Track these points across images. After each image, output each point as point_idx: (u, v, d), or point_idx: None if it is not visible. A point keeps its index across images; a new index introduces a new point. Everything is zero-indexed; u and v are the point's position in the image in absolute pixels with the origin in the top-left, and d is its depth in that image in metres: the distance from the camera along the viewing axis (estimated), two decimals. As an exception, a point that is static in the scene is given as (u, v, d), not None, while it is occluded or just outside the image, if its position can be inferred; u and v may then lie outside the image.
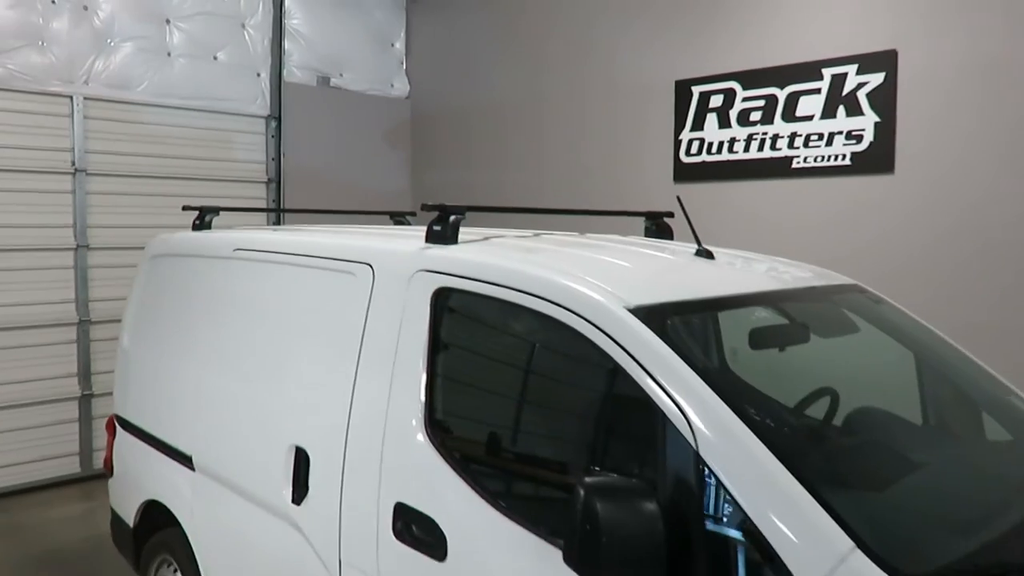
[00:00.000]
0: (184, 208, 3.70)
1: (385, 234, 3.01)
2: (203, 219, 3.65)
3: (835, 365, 2.55)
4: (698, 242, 2.57)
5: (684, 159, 5.88)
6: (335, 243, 2.78)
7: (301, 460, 2.53)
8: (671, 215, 3.86)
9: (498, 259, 2.27)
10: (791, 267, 2.83)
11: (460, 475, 2.05)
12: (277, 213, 6.72)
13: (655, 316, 1.91)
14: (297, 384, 2.70)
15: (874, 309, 2.67)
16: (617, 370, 1.84)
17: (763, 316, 2.42)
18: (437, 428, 2.18)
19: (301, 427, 2.60)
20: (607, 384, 1.97)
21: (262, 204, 7.07)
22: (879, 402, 2.45)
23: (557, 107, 6.72)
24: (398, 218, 4.29)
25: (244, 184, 6.95)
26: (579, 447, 2.07)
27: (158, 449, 3.32)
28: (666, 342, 1.82)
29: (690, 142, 5.84)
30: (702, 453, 1.63)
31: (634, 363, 1.80)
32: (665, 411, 1.71)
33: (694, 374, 1.75)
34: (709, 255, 2.53)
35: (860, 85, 5.00)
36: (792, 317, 2.47)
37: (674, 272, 2.47)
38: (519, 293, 2.08)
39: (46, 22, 5.79)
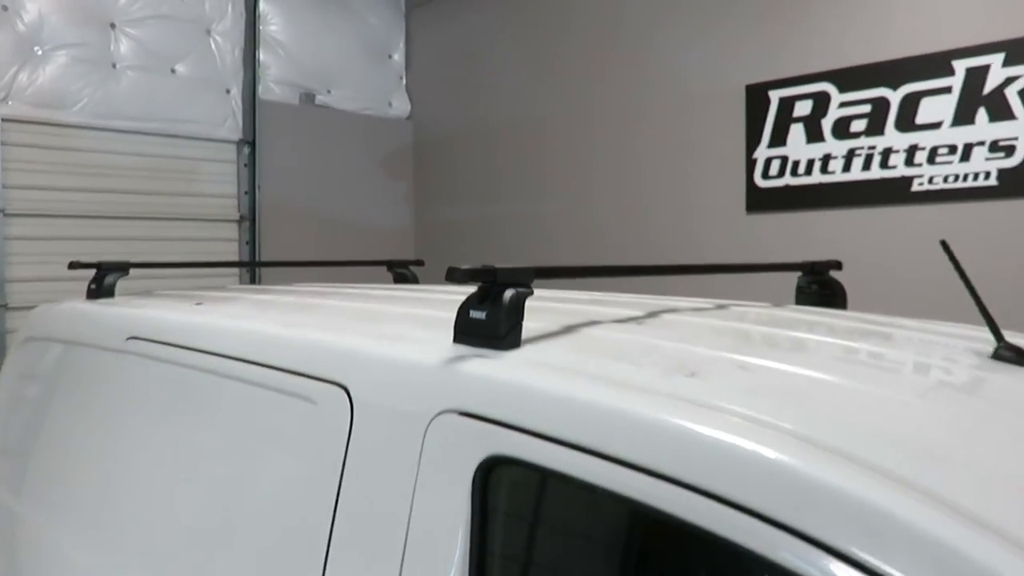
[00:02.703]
0: (71, 265, 2.43)
1: (376, 315, 1.72)
2: (101, 282, 2.38)
3: None
4: (996, 332, 1.30)
5: (760, 183, 4.64)
6: (283, 337, 1.51)
7: None
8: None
9: (646, 407, 0.98)
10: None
11: None
12: (251, 267, 5.47)
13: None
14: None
15: None
16: None
17: None
18: None
19: None
20: None
21: (232, 248, 5.80)
22: None
23: (591, 126, 5.49)
24: (399, 271, 3.03)
25: (211, 224, 5.71)
26: None
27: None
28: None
29: (768, 161, 4.60)
30: None
31: None
32: None
33: None
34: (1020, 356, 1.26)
35: (1009, 80, 3.77)
36: None
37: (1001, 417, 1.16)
38: (721, 506, 0.81)
39: (-47, 25, 4.60)
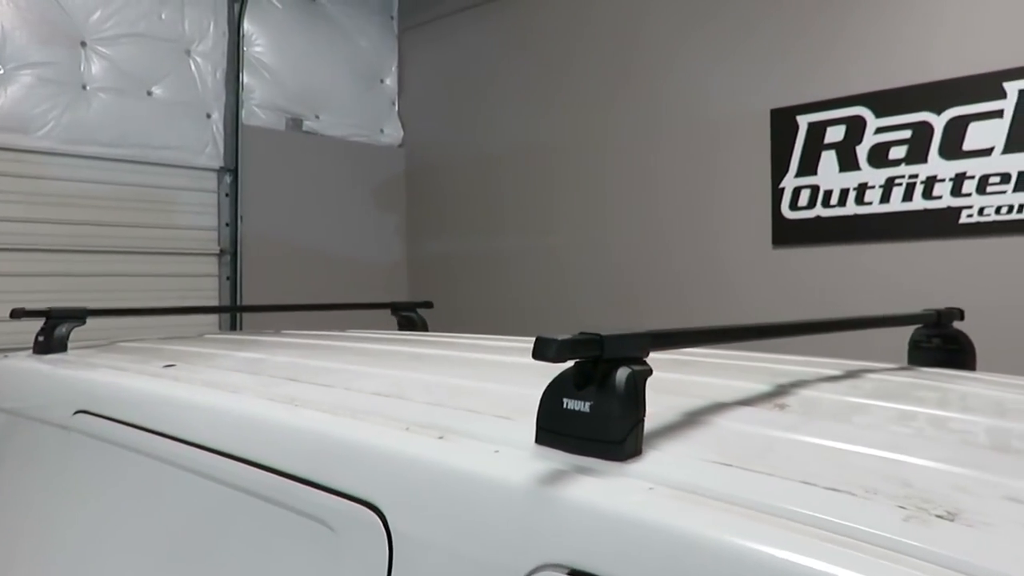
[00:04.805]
0: (13, 314, 1.99)
1: (408, 387, 1.28)
2: (51, 333, 1.95)
3: None
4: None
5: (788, 214, 4.28)
6: (283, 425, 1.09)
7: None
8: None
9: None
10: None
11: None
12: (231, 313, 5.02)
13: None
14: None
15: None
16: None
17: None
18: None
19: None
20: None
21: (212, 283, 5.36)
22: None
23: (603, 154, 5.13)
24: (406, 315, 2.62)
25: (189, 258, 5.26)
26: None
27: None
28: None
29: (796, 191, 4.25)
30: None
31: None
32: None
33: None
34: None
35: (1069, 103, 3.45)
36: None
37: None
38: None
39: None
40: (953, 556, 0.60)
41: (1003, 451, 0.95)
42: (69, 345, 1.96)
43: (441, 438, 0.93)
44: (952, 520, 0.66)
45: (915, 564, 0.60)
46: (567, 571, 0.72)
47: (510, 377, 1.32)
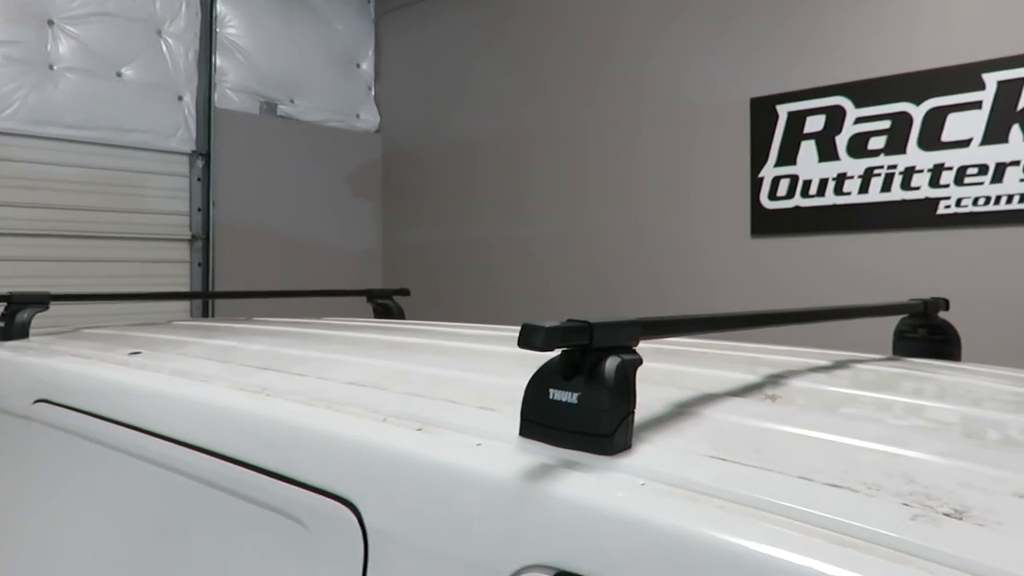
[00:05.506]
0: (-29, 298, 1.92)
1: (388, 376, 1.22)
2: (12, 319, 1.88)
3: None
4: None
5: (767, 204, 4.27)
6: (252, 416, 1.04)
7: None
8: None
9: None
10: None
11: None
12: (203, 300, 4.92)
13: None
14: None
15: None
16: None
17: None
18: None
19: None
20: None
21: (183, 270, 5.26)
22: None
23: (582, 141, 5.09)
24: (382, 302, 2.57)
25: (159, 244, 5.16)
26: None
27: None
28: None
29: (776, 181, 4.24)
30: None
31: None
32: None
33: None
34: None
35: (1046, 95, 3.46)
36: None
37: None
38: None
39: None
40: (967, 558, 0.57)
41: (1005, 444, 0.92)
42: (31, 332, 1.89)
43: (420, 430, 0.89)
44: (960, 519, 0.63)
45: (927, 567, 0.56)
46: (554, 572, 0.68)
47: (493, 367, 1.28)
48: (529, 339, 0.75)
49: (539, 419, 0.81)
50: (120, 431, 1.19)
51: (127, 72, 4.98)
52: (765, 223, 4.29)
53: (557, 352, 0.81)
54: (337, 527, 0.84)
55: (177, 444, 1.08)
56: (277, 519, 0.91)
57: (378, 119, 6.30)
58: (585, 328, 0.79)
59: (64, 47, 4.72)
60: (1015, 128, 3.53)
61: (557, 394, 0.80)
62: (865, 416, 1.00)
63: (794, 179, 4.17)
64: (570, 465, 0.75)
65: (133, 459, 1.16)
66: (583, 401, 0.78)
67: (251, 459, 0.97)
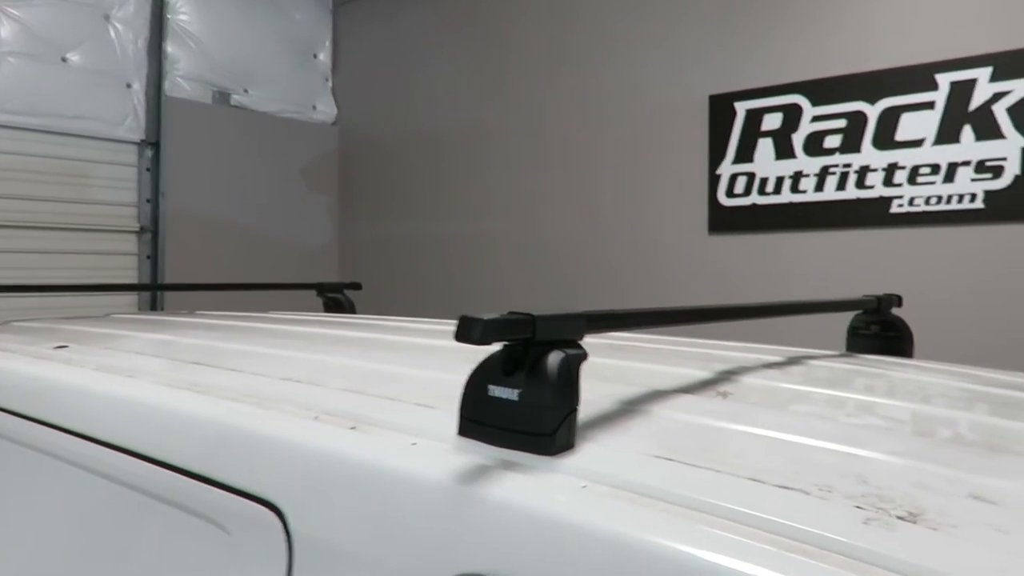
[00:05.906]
0: None
1: (324, 372, 1.16)
2: (-66, 311, 1.78)
3: None
4: None
5: (724, 201, 4.28)
6: (174, 412, 0.98)
7: None
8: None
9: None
10: None
11: None
12: (151, 293, 4.78)
13: None
14: None
15: None
16: None
17: None
18: None
19: None
20: None
21: (131, 263, 5.11)
22: None
23: (541, 137, 5.05)
24: (333, 296, 2.50)
25: (105, 235, 5.01)
26: None
27: None
28: None
29: (733, 178, 4.25)
30: None
31: None
32: None
33: None
34: None
35: (997, 96, 3.51)
36: None
37: None
38: None
39: None
40: (921, 564, 0.53)
41: (959, 444, 0.90)
42: (-44, 325, 1.79)
43: (353, 428, 0.83)
44: (915, 522, 0.60)
45: (878, 574, 0.53)
46: (488, 582, 0.63)
47: (437, 362, 1.23)
48: (467, 332, 0.71)
49: (478, 417, 0.77)
50: (37, 429, 1.12)
51: (73, 57, 4.82)
52: (722, 220, 4.30)
53: (499, 347, 0.76)
54: (260, 533, 0.78)
55: (97, 444, 1.01)
56: (198, 524, 0.85)
57: (335, 111, 6.20)
58: (527, 321, 0.74)
59: (6, 30, 4.55)
60: (967, 128, 3.57)
61: (497, 391, 0.76)
62: (818, 414, 0.97)
63: (751, 176, 4.18)
64: (508, 466, 0.71)
65: (50, 459, 1.09)
66: (524, 398, 0.74)
67: (173, 460, 0.90)
